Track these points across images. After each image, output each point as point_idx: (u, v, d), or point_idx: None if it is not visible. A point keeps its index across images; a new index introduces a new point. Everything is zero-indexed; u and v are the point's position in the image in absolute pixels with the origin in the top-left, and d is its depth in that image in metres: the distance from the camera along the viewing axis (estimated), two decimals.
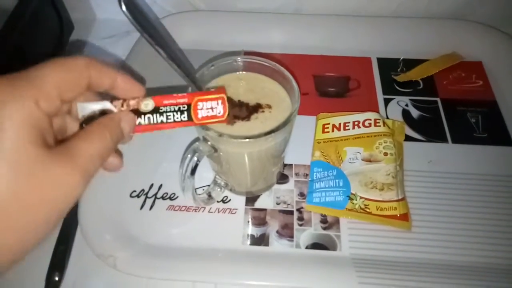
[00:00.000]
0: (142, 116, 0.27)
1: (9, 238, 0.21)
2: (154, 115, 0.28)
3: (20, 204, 0.21)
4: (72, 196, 0.22)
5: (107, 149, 0.24)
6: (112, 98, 0.27)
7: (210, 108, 0.29)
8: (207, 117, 0.29)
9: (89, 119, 0.26)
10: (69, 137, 0.24)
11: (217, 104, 0.29)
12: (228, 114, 0.30)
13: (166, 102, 0.28)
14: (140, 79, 0.48)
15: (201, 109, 0.29)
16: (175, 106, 0.28)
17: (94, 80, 0.25)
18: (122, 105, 0.27)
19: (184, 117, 0.28)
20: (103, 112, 0.26)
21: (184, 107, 0.28)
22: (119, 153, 0.28)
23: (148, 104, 0.27)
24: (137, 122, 0.27)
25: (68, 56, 0.24)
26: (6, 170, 0.20)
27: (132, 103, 0.27)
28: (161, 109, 0.28)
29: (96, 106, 0.26)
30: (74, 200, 0.23)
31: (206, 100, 0.29)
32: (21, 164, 0.20)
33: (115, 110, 0.27)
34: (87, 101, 0.26)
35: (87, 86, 0.25)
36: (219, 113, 0.29)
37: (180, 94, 0.28)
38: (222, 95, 0.29)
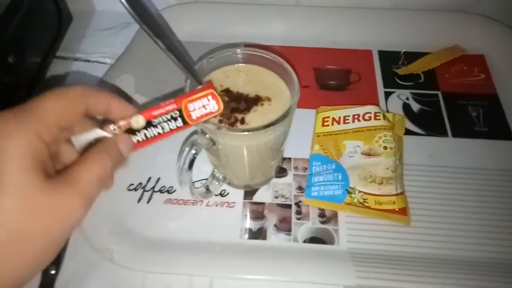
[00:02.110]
0: (138, 133, 0.28)
1: (10, 266, 0.22)
2: (149, 129, 0.28)
3: (21, 233, 0.22)
4: (71, 222, 0.23)
5: (106, 172, 0.25)
6: (101, 124, 0.28)
7: (202, 106, 0.29)
8: (202, 116, 0.29)
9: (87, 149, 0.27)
10: (67, 165, 0.25)
11: (208, 100, 0.29)
12: (224, 107, 0.29)
13: (155, 113, 0.28)
14: (128, 99, 0.49)
15: (193, 110, 0.29)
16: (166, 115, 0.28)
17: (90, 107, 0.26)
18: (114, 128, 0.27)
19: (179, 123, 0.28)
20: (98, 140, 0.27)
21: (175, 113, 0.28)
22: None
23: (138, 121, 0.27)
24: (134, 141, 0.28)
25: (65, 87, 0.26)
26: (9, 200, 0.21)
27: (123, 123, 0.27)
28: (153, 121, 0.28)
29: (90, 135, 0.27)
30: (74, 225, 0.23)
31: (195, 100, 0.29)
32: (23, 193, 0.21)
33: (108, 135, 0.27)
34: (79, 133, 0.27)
35: (84, 113, 0.26)
36: (213, 108, 0.29)
37: (167, 102, 0.28)
38: (210, 90, 0.29)
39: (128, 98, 0.49)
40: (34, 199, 0.22)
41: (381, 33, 0.58)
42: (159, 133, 0.28)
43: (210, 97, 0.29)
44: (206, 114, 0.29)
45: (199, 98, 0.29)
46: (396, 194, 0.41)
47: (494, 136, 0.48)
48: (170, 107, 0.28)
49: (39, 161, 0.22)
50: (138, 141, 0.28)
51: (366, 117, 0.46)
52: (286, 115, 0.33)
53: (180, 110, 0.28)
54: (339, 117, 0.47)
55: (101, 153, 0.25)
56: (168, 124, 0.28)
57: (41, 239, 0.22)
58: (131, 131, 0.28)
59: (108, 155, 0.25)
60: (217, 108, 0.29)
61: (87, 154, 0.25)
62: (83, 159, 0.25)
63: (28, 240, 0.22)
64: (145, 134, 0.28)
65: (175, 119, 0.28)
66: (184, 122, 0.28)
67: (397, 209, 0.40)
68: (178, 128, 0.28)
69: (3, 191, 0.21)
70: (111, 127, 0.27)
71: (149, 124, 0.28)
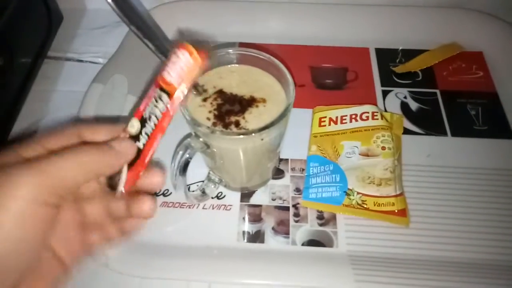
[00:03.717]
0: (140, 137, 0.26)
1: None
2: (146, 125, 0.26)
3: None
4: (24, 204, 0.21)
5: (82, 157, 0.23)
6: None
7: (179, 68, 0.25)
8: (183, 76, 0.25)
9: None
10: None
11: (179, 57, 0.25)
12: (218, 108, 0.28)
13: (142, 107, 0.26)
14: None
15: (170, 77, 0.25)
16: (151, 102, 0.26)
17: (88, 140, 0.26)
18: None
19: (165, 99, 0.25)
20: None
21: (157, 92, 0.25)
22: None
23: (133, 124, 0.26)
24: (140, 146, 0.26)
25: (58, 131, 0.25)
26: None
27: (123, 135, 0.26)
28: (145, 115, 0.26)
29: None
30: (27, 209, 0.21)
31: (166, 66, 0.25)
32: None
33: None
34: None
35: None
36: (188, 63, 0.24)
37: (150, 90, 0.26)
38: (179, 46, 0.25)
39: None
40: None
41: (378, 30, 0.57)
42: (155, 124, 0.25)
43: (178, 52, 0.24)
44: (187, 72, 0.24)
45: (168, 61, 0.25)
46: (395, 195, 0.40)
47: (494, 135, 0.47)
48: (151, 92, 0.26)
49: None
50: (144, 144, 0.26)
51: (364, 116, 0.45)
52: (281, 117, 0.32)
53: (160, 88, 0.25)
54: (336, 117, 0.46)
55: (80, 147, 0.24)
56: (158, 108, 0.25)
57: None
58: (134, 139, 0.26)
59: (86, 149, 0.24)
60: (192, 61, 0.24)
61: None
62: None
63: None
64: (145, 133, 0.26)
65: (160, 98, 0.25)
66: (169, 94, 0.25)
67: (396, 211, 0.40)
68: (168, 108, 0.25)
69: None
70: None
71: (143, 121, 0.26)
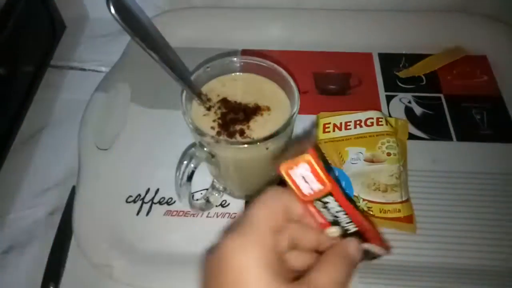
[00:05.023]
0: (345, 229, 0.26)
1: None
2: (339, 221, 0.25)
3: None
4: None
5: (342, 276, 0.24)
6: None
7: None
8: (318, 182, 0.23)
9: None
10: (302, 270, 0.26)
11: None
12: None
13: (322, 220, 0.25)
14: None
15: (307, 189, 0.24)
16: (323, 212, 0.25)
17: (290, 212, 0.26)
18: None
19: (331, 199, 0.24)
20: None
21: (318, 204, 0.24)
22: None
23: (331, 231, 0.26)
24: (353, 230, 0.26)
25: (268, 196, 0.26)
26: None
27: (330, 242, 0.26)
28: (331, 220, 0.25)
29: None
30: None
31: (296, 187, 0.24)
32: None
33: None
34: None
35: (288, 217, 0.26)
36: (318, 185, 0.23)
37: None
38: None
39: None
40: None
41: (381, 35, 0.57)
42: (346, 213, 0.25)
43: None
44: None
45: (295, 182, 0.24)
46: (401, 202, 0.40)
47: (500, 139, 0.47)
48: (308, 211, 0.25)
49: (273, 268, 0.23)
50: (355, 227, 0.26)
51: (368, 122, 0.45)
52: (286, 126, 0.32)
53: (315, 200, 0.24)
54: (341, 123, 0.46)
55: (336, 258, 0.25)
56: (332, 209, 0.24)
57: None
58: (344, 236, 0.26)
59: (342, 260, 0.25)
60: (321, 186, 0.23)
61: (323, 258, 0.25)
62: (320, 263, 0.25)
63: None
64: (346, 223, 0.25)
65: (325, 205, 0.24)
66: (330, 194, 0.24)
67: (402, 217, 0.39)
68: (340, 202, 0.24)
69: None
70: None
71: (335, 223, 0.25)
